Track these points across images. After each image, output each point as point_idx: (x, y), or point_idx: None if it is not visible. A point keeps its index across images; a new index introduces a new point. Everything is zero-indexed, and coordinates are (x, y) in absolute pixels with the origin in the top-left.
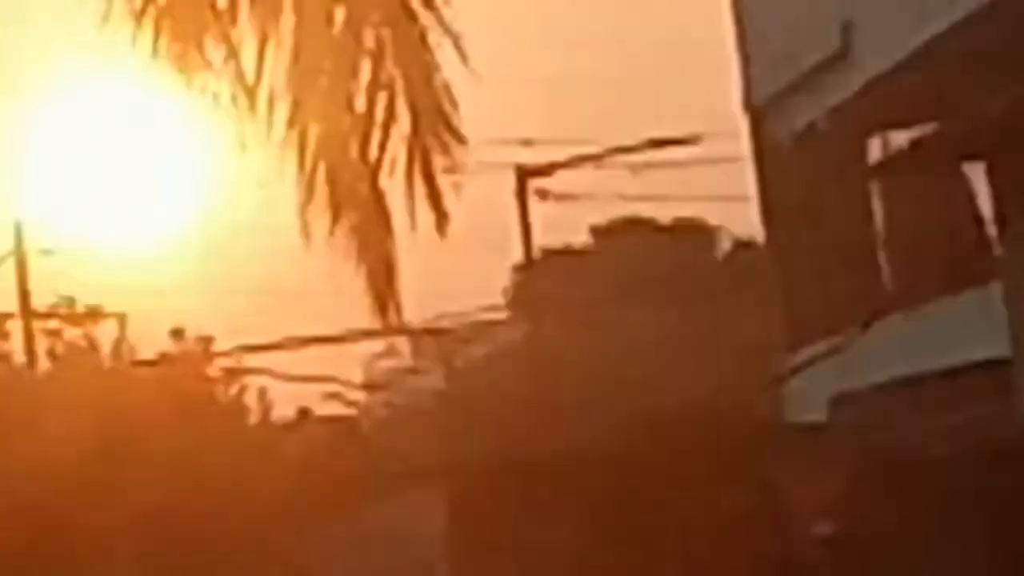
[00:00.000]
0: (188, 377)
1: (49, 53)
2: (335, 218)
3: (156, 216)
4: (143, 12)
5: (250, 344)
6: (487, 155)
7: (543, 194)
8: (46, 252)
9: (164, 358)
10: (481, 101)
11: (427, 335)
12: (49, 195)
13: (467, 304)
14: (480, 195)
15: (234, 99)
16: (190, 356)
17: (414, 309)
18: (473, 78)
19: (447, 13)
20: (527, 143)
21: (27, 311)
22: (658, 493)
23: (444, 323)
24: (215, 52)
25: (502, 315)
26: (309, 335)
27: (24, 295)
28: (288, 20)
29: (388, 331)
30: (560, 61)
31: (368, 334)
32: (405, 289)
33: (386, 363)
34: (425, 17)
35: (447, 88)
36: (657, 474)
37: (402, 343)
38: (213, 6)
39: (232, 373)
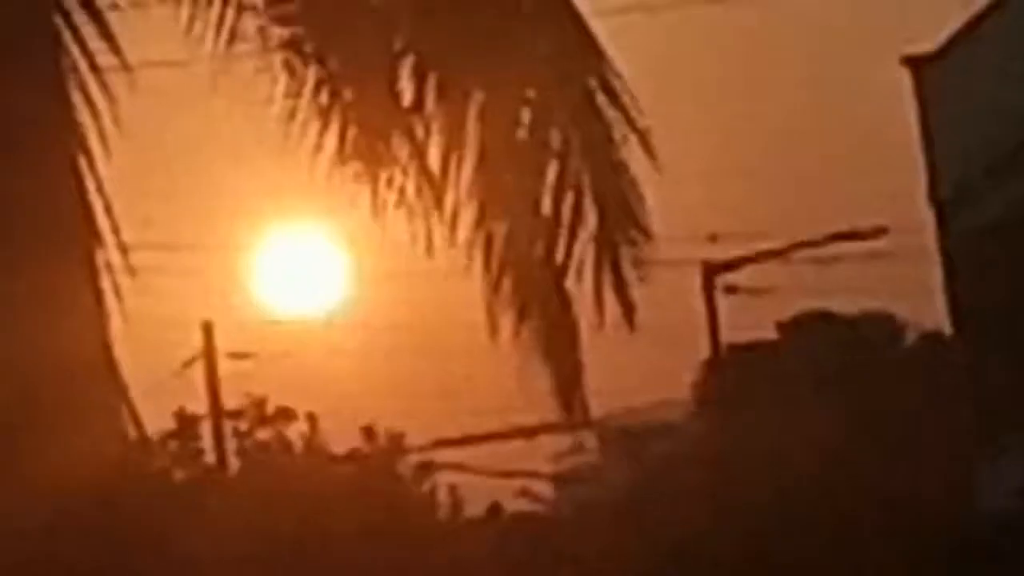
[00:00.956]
0: (379, 474)
1: (236, 150)
2: (522, 316)
3: (344, 315)
4: (330, 108)
5: (440, 440)
6: (674, 250)
7: (730, 289)
8: (236, 355)
9: (355, 455)
10: (667, 197)
11: (613, 430)
12: (237, 297)
13: (654, 399)
14: (667, 290)
15: (420, 196)
16: (381, 453)
17: (600, 404)
18: (659, 174)
19: (633, 109)
20: (713, 238)
21: (217, 411)
22: None
23: (631, 418)
24: (401, 148)
25: (689, 410)
26: (497, 431)
27: (214, 396)
28: (474, 119)
29: (574, 426)
30: (744, 156)
31: (555, 429)
32: (591, 383)
33: (573, 459)
34: (611, 114)
35: (634, 184)
36: (845, 571)
37: (589, 438)
38: (399, 102)
39: (423, 469)
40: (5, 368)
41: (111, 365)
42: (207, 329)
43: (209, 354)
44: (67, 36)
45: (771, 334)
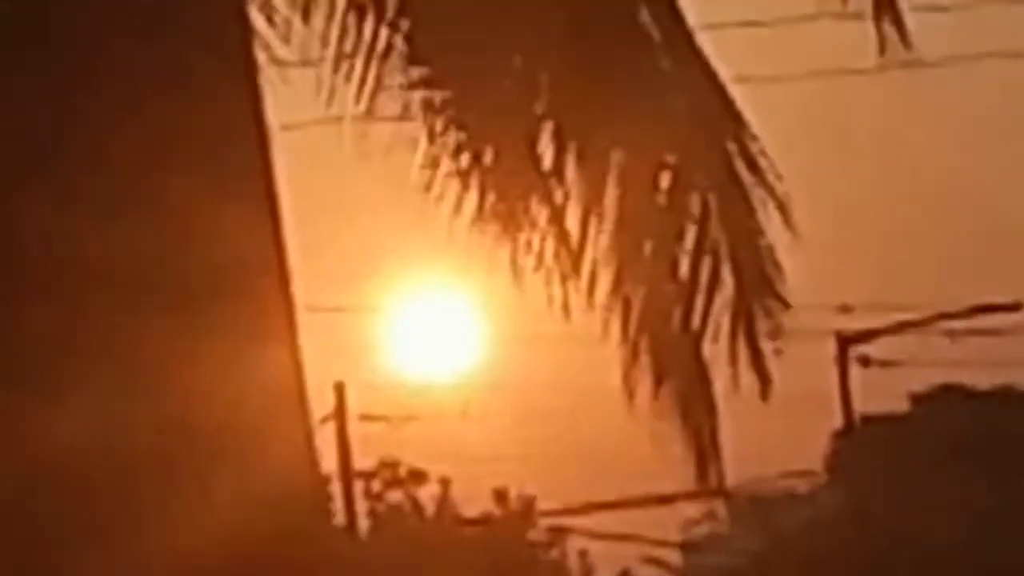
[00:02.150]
0: (510, 538)
1: (375, 212)
2: (658, 382)
3: (478, 378)
4: (470, 171)
5: (571, 506)
6: (808, 320)
7: (864, 360)
8: (368, 416)
9: (487, 518)
10: (803, 265)
11: (743, 499)
12: (371, 358)
13: (785, 469)
14: (801, 360)
15: (557, 260)
16: (512, 517)
17: (732, 472)
18: (796, 242)
19: (771, 175)
20: (846, 309)
21: (347, 473)
22: None
23: (762, 487)
24: (540, 212)
25: (819, 480)
26: (630, 497)
27: (345, 457)
28: (613, 183)
29: (706, 494)
30: (881, 226)
31: (689, 497)
32: (724, 452)
33: (703, 526)
34: (749, 180)
35: (771, 252)
36: None
37: (719, 506)
38: (538, 166)
39: (554, 533)
40: (207, 395)
41: (303, 398)
42: (339, 390)
43: (341, 415)
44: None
45: (904, 406)
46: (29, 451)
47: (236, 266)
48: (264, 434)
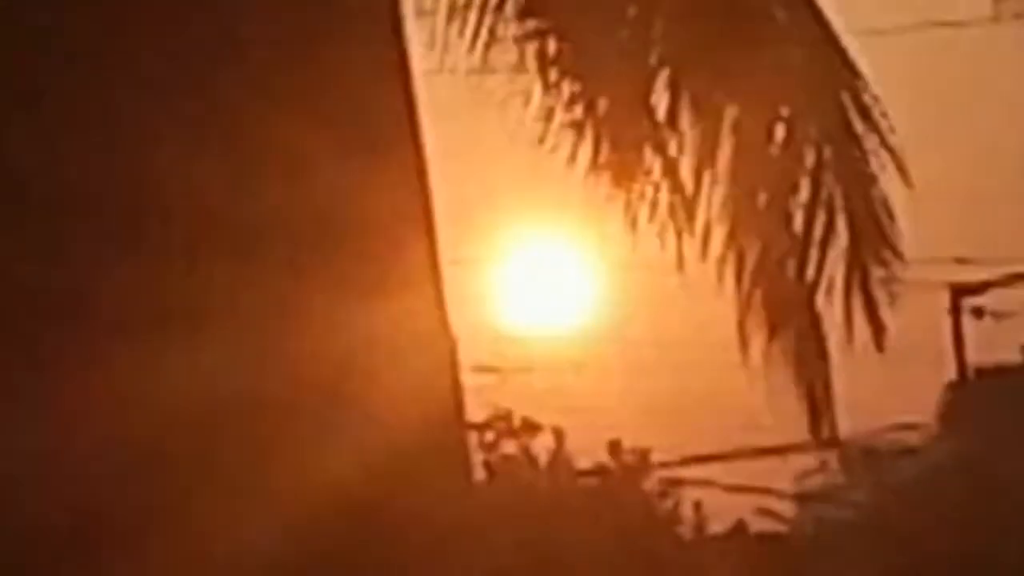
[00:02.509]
0: (624, 489)
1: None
2: (772, 334)
3: (592, 330)
4: (584, 121)
5: (685, 457)
6: (921, 272)
7: (978, 312)
8: (481, 368)
9: (600, 470)
10: (917, 217)
11: (857, 451)
12: (483, 310)
13: (898, 420)
14: (914, 312)
15: (671, 212)
16: (626, 468)
17: (845, 424)
18: (910, 193)
19: (885, 127)
20: (961, 261)
21: (461, 424)
22: None
23: (875, 438)
24: (654, 163)
25: (932, 432)
26: (743, 448)
27: (458, 409)
28: (727, 134)
29: (819, 446)
30: (997, 179)
31: (802, 448)
32: (837, 404)
33: (816, 478)
34: (863, 131)
35: (885, 204)
36: None
37: (831, 458)
38: (652, 116)
39: (668, 485)
40: (368, 414)
41: (459, 407)
42: (451, 345)
43: (453, 367)
44: None
45: (1017, 357)
46: (160, 401)
47: (381, 217)
48: (411, 386)
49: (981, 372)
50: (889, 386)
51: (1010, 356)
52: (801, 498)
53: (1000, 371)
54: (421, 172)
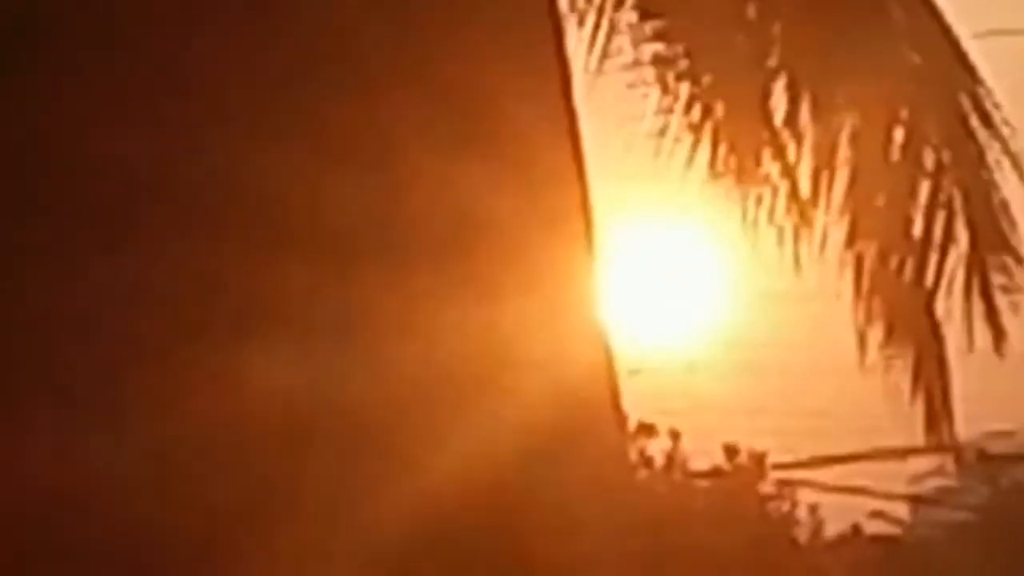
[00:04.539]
0: (740, 492)
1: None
2: (891, 338)
3: (708, 333)
4: (702, 124)
5: (801, 460)
6: None
7: None
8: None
9: (716, 472)
10: None
11: (974, 455)
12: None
13: (1016, 425)
14: None
15: (789, 215)
16: (742, 471)
17: (962, 428)
18: None
19: (1006, 131)
20: None
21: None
22: None
23: (991, 443)
24: (772, 166)
25: None
26: (860, 451)
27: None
28: (846, 137)
29: (934, 449)
30: None
31: (919, 452)
32: (954, 407)
33: (932, 482)
34: (982, 134)
35: (1005, 207)
36: None
37: (948, 461)
38: (770, 120)
39: (784, 487)
40: (511, 402)
41: (616, 401)
42: None
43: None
44: None
45: None
46: (249, 404)
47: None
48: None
49: None
50: (1008, 391)
51: None
52: (916, 501)
53: None
54: (581, 173)
